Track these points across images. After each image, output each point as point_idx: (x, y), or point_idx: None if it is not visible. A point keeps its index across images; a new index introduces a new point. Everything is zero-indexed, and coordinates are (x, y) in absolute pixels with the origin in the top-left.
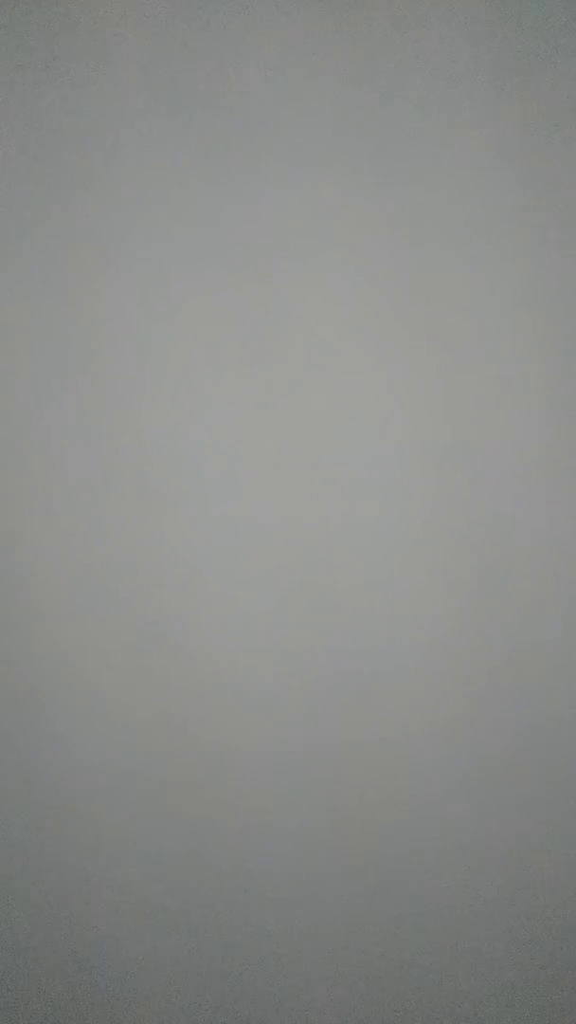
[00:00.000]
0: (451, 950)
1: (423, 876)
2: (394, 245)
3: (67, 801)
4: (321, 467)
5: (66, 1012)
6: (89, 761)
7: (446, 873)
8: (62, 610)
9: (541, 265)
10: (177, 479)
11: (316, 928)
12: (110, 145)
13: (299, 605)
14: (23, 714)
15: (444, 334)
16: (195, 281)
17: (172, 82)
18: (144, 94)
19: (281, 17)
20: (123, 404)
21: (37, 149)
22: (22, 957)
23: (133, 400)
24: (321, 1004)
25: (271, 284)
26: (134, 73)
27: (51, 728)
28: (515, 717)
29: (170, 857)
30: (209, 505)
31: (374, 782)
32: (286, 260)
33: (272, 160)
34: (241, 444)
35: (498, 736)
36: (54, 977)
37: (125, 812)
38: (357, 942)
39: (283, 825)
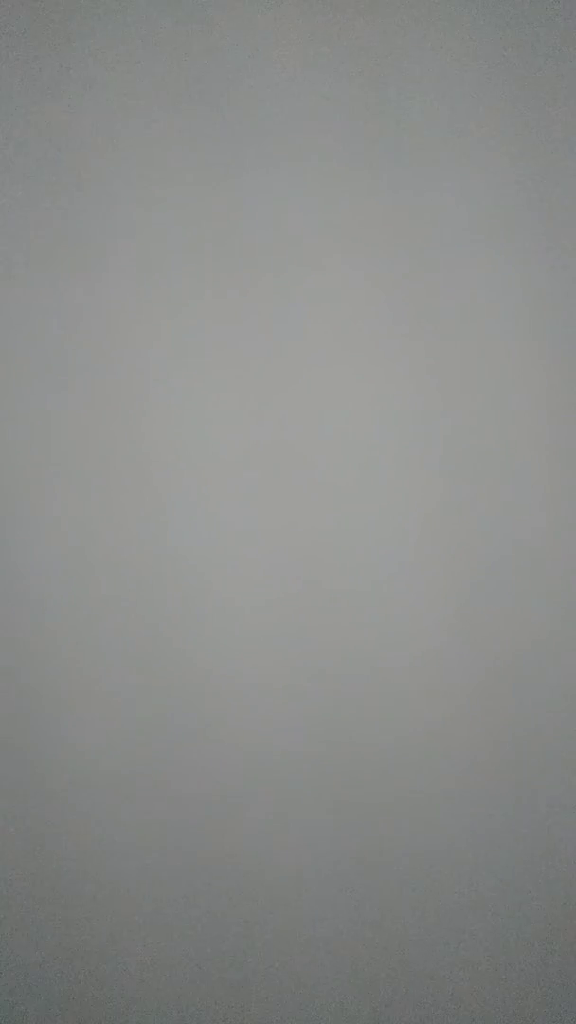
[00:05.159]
0: (451, 950)
1: (423, 876)
2: (395, 246)
3: (67, 800)
4: (321, 467)
5: (66, 1011)
6: (88, 760)
7: (446, 873)
8: (61, 609)
9: (542, 266)
10: (176, 479)
11: (316, 928)
12: (110, 145)
13: (299, 605)
14: (23, 714)
15: (444, 335)
16: (195, 281)
17: (173, 83)
18: (144, 94)
19: (283, 17)
20: (123, 403)
21: (36, 148)
22: (21, 956)
23: (133, 399)
24: (321, 1004)
25: (272, 284)
26: (135, 73)
27: (50, 728)
28: (515, 716)
29: (170, 856)
30: (208, 504)
31: (374, 782)
32: (286, 261)
33: (272, 161)
34: (241, 443)
35: (498, 736)
36: (53, 976)
37: (125, 811)
38: (357, 941)
39: (283, 825)
